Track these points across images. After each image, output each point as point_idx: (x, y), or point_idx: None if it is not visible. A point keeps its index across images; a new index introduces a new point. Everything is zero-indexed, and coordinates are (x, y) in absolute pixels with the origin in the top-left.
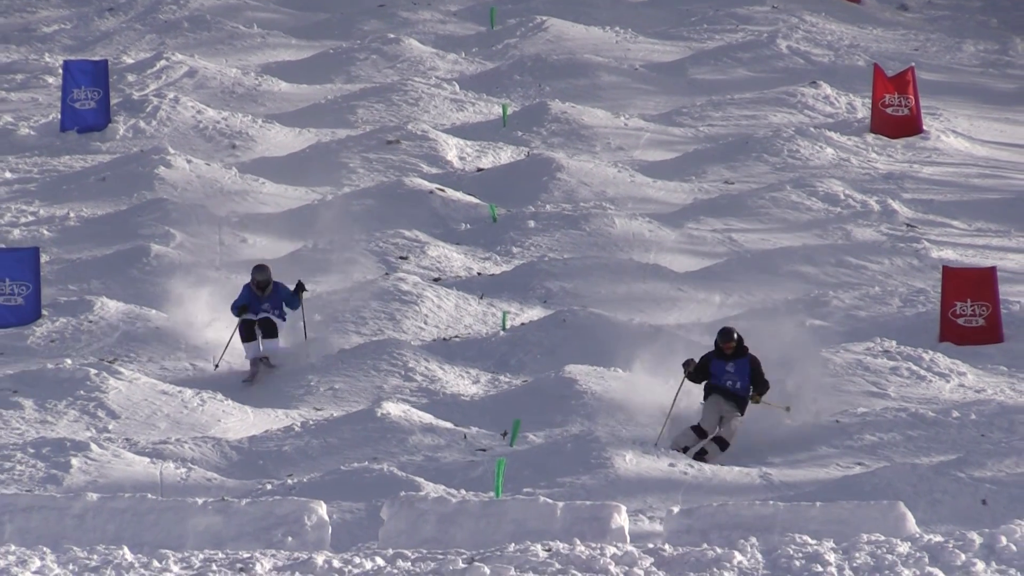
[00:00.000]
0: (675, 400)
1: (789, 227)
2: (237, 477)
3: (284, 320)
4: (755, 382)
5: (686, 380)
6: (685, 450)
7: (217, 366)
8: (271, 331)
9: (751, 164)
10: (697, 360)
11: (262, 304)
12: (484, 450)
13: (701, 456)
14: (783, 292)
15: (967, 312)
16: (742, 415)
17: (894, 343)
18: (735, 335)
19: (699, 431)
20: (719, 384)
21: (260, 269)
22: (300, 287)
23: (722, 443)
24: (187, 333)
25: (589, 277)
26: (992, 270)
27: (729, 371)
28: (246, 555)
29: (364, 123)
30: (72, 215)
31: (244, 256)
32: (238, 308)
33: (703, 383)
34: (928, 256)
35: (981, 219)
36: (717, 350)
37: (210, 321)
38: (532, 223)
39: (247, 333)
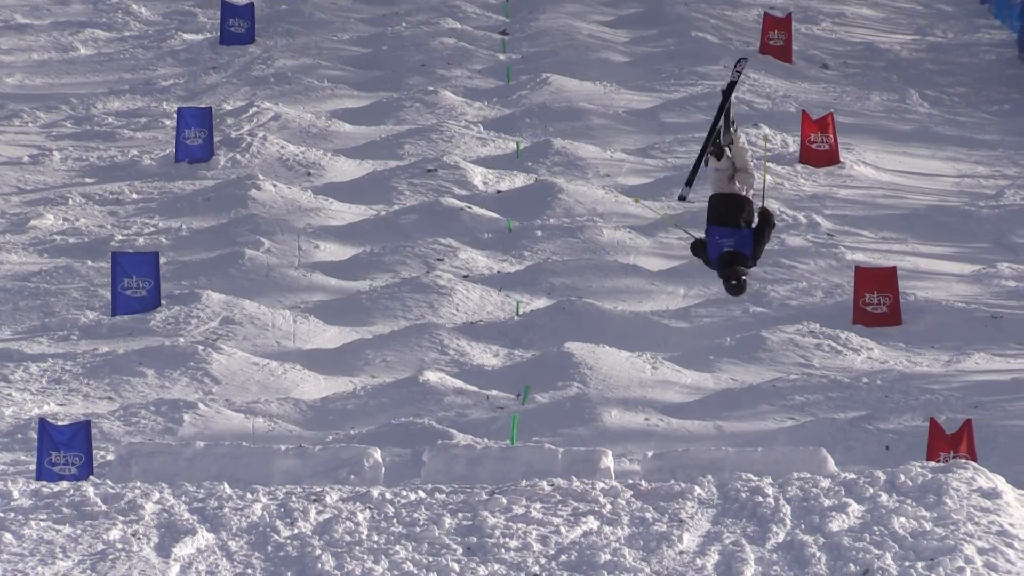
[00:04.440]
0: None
1: None
2: (311, 429)
3: None
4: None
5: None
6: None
7: None
8: None
9: (708, 188)
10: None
11: None
12: (502, 408)
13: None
14: None
15: (874, 302)
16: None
17: (817, 325)
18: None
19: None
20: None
21: None
22: None
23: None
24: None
25: (583, 274)
26: (893, 269)
27: None
28: (318, 489)
29: (409, 156)
30: (184, 227)
31: (317, 258)
32: None
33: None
34: (844, 258)
35: (885, 230)
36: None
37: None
38: (539, 233)
39: None
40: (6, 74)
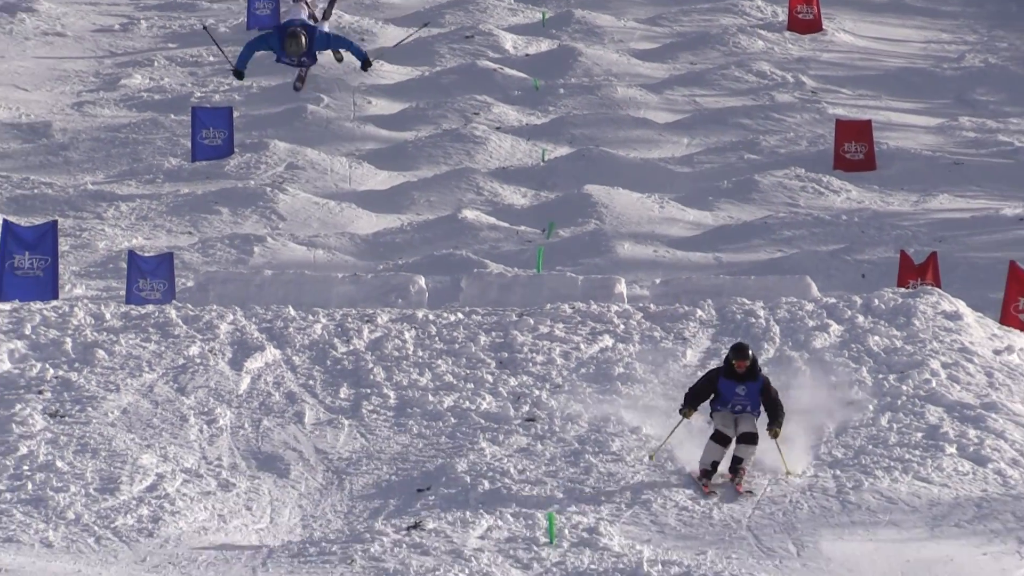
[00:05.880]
0: (671, 433)
1: (733, 93)
2: (365, 260)
3: (315, 60)
4: (768, 408)
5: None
6: (714, 465)
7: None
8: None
9: (708, 51)
10: (703, 374)
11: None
12: (530, 241)
13: (737, 471)
14: (730, 136)
15: (852, 149)
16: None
17: (803, 170)
18: (750, 353)
19: (721, 438)
20: (725, 409)
21: (292, 37)
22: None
23: (748, 437)
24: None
25: (600, 126)
26: (868, 122)
27: (739, 394)
28: (371, 311)
29: (450, 24)
30: (254, 85)
31: (370, 112)
32: (240, 62)
33: (709, 402)
34: (826, 112)
35: (862, 88)
36: (727, 367)
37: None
38: (562, 90)
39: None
40: None
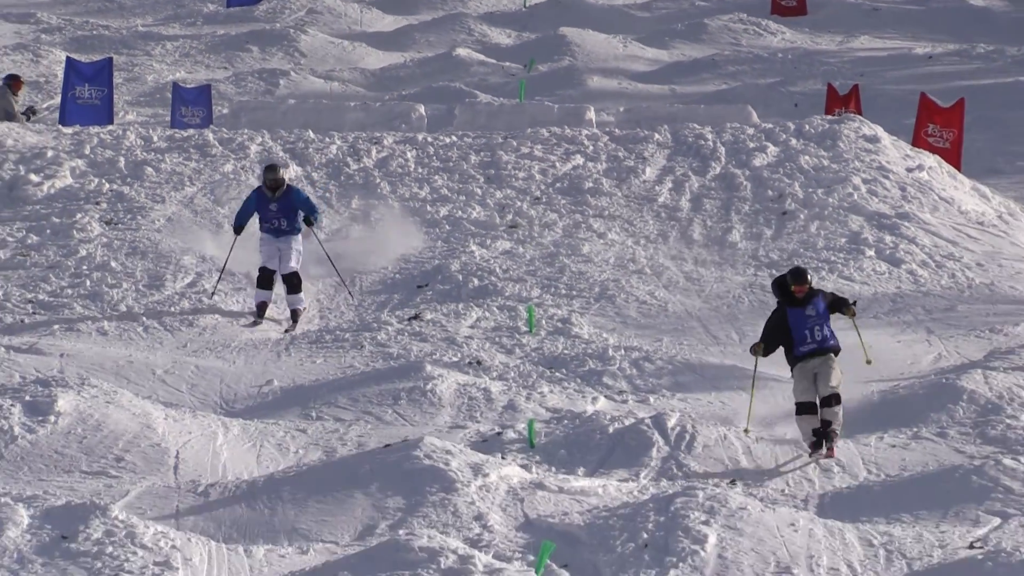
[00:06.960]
0: (753, 383)
1: None
2: (373, 91)
3: (298, 231)
4: (836, 305)
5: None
6: (816, 432)
7: (213, 294)
8: (295, 287)
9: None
10: (768, 318)
11: (270, 205)
12: (513, 75)
13: (827, 435)
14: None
15: None
16: (836, 355)
17: (745, 15)
18: (808, 275)
19: (807, 408)
20: (802, 350)
21: (270, 169)
22: (308, 222)
23: (832, 399)
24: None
25: None
26: None
27: (811, 315)
28: (378, 134)
29: None
30: None
31: None
32: (237, 225)
33: (778, 350)
34: None
35: None
36: (787, 298)
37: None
38: None
39: (264, 281)
40: None
